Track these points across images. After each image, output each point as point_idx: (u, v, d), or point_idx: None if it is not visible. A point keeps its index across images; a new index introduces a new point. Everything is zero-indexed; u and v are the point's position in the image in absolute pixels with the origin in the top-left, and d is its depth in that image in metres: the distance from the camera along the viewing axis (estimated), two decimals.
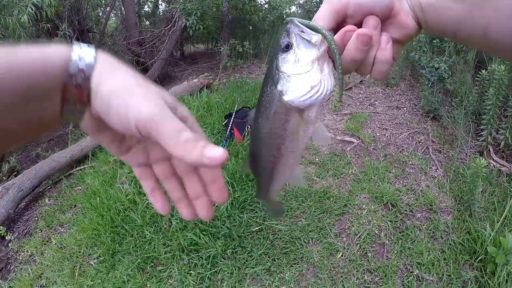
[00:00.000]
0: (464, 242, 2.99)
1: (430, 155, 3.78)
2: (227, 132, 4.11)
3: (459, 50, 4.52)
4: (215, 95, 5.56)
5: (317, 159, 3.96)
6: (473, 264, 2.86)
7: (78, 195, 4.21)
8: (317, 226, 3.16)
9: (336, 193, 3.45)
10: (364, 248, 2.93)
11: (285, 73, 0.49)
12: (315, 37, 0.49)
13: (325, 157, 3.96)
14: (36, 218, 4.17)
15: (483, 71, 3.91)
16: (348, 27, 0.50)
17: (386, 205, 3.26)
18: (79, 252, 3.40)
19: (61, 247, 3.56)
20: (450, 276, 2.75)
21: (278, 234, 3.14)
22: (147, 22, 9.89)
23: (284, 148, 0.54)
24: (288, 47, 0.50)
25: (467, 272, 2.80)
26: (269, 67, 0.52)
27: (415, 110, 4.57)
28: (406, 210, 3.19)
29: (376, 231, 3.04)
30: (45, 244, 3.70)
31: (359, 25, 0.50)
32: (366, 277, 2.74)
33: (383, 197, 3.29)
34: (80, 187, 4.45)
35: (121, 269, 3.07)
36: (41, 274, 3.35)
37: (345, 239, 3.05)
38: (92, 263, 3.27)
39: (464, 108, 4.06)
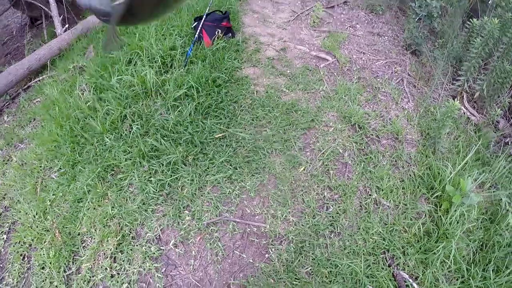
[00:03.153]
0: (423, 176, 3.21)
1: (404, 87, 3.90)
2: (196, 36, 4.02)
3: None
4: None
5: (288, 71, 3.93)
6: (429, 198, 3.10)
7: (37, 108, 4.10)
8: (282, 138, 3.22)
9: (304, 107, 3.49)
10: (326, 165, 3.04)
11: None
12: None
13: (297, 70, 3.94)
14: None
15: (474, 19, 4.00)
16: None
17: (353, 126, 3.36)
18: (40, 166, 3.36)
19: (22, 164, 3.50)
20: (406, 205, 2.98)
21: (242, 142, 3.17)
22: None
23: None
24: None
25: (422, 204, 3.04)
26: None
27: (396, 41, 4.63)
28: (372, 135, 3.31)
29: (341, 150, 3.15)
30: (6, 163, 3.64)
31: None
32: (326, 194, 2.88)
33: (351, 118, 3.38)
34: (39, 99, 4.31)
35: (81, 179, 3.06)
36: (5, 195, 3.31)
37: (308, 153, 3.14)
38: (53, 177, 3.25)
39: (447, 51, 4.20)
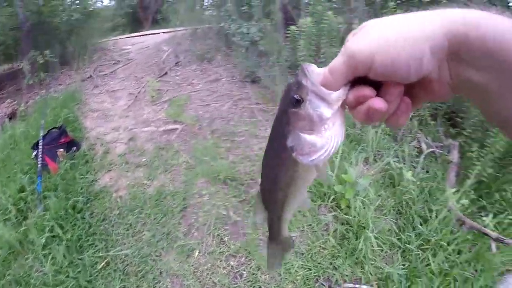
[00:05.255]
0: (312, 189, 3.14)
1: (257, 118, 3.86)
2: (39, 165, 3.52)
3: (268, 13, 4.72)
4: (20, 125, 4.84)
5: (143, 160, 3.65)
6: (327, 205, 3.04)
7: None
8: (163, 233, 2.92)
9: (171, 189, 3.23)
10: (218, 235, 2.81)
11: (296, 130, 0.51)
12: (332, 96, 0.49)
13: (151, 154, 3.67)
14: None
15: (292, 27, 4.16)
16: (364, 91, 0.47)
17: (225, 182, 3.18)
18: None
19: None
20: (310, 225, 2.88)
21: (127, 260, 2.81)
22: None
23: (293, 188, 0.59)
24: (299, 102, 0.50)
25: (325, 215, 2.97)
26: (280, 114, 0.54)
27: (234, 78, 4.64)
28: (246, 180, 3.17)
29: (224, 212, 2.94)
30: None
31: (379, 82, 0.46)
32: (232, 263, 2.64)
33: (219, 175, 3.20)
34: None
35: None
36: None
37: (196, 234, 2.87)
38: None
39: (280, 65, 4.26)
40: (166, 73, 5.19)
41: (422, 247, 2.99)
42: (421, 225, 3.10)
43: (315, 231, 2.88)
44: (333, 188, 3.02)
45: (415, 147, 3.96)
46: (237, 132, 3.67)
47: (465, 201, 3.16)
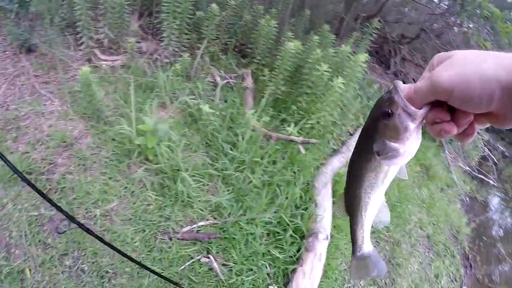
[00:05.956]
0: (114, 150, 3.12)
1: (40, 92, 3.46)
2: None
3: None
4: None
5: None
6: (135, 162, 3.07)
7: None
8: None
9: None
10: (40, 241, 2.54)
11: (383, 138, 0.61)
12: (418, 113, 0.57)
13: None
14: None
15: None
16: (442, 115, 0.56)
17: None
18: None
19: None
20: (126, 187, 2.92)
21: None
22: None
23: (375, 189, 0.69)
24: (389, 115, 0.59)
25: (136, 171, 3.01)
26: (370, 123, 0.64)
27: (6, 52, 3.97)
28: (45, 166, 2.88)
29: (35, 213, 2.66)
30: None
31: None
32: (67, 262, 2.48)
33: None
34: None
35: None
36: None
37: (17, 251, 2.48)
38: None
39: (57, 26, 3.89)
40: None
41: (239, 169, 3.29)
42: (231, 150, 3.37)
43: (133, 192, 2.92)
44: (135, 142, 3.01)
45: (210, 81, 4.21)
46: (21, 116, 3.23)
47: (266, 118, 3.58)
